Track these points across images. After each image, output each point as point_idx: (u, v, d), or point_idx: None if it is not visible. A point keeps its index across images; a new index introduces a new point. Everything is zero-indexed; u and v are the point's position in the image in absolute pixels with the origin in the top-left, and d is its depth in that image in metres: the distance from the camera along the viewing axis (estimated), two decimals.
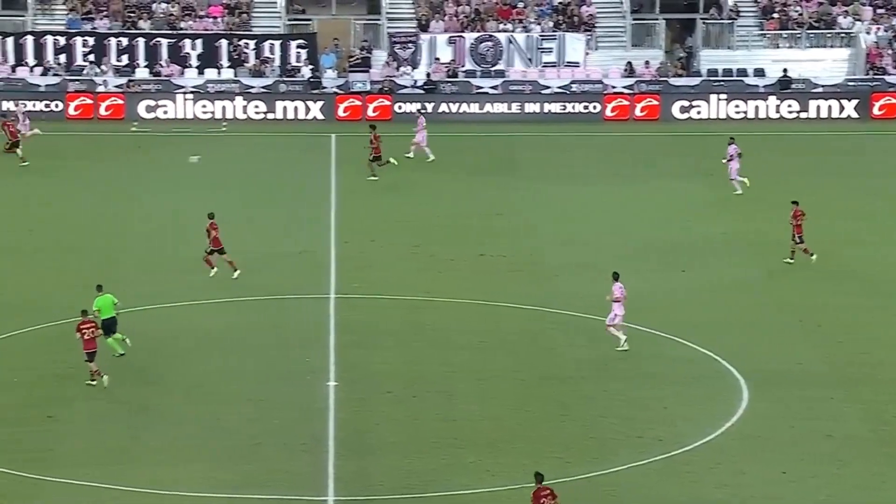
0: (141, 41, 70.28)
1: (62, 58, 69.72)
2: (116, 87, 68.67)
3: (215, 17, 72.34)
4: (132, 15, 72.14)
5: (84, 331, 33.72)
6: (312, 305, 40.18)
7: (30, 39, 69.91)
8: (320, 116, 67.52)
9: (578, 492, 28.67)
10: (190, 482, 28.82)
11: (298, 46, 70.81)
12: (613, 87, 69.83)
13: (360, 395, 33.74)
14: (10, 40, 69.74)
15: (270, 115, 67.67)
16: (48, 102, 67.55)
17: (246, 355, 36.42)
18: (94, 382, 33.67)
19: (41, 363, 35.32)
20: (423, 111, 62.25)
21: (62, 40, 70.00)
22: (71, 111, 67.59)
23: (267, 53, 70.46)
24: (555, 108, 68.75)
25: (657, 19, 73.78)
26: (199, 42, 70.46)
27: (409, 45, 71.43)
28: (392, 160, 55.15)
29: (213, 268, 42.00)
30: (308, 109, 67.85)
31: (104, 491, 28.35)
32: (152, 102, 67.88)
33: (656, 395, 34.20)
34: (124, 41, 70.22)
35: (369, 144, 55.33)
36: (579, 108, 68.72)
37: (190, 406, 33.13)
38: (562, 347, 37.15)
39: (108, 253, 45.02)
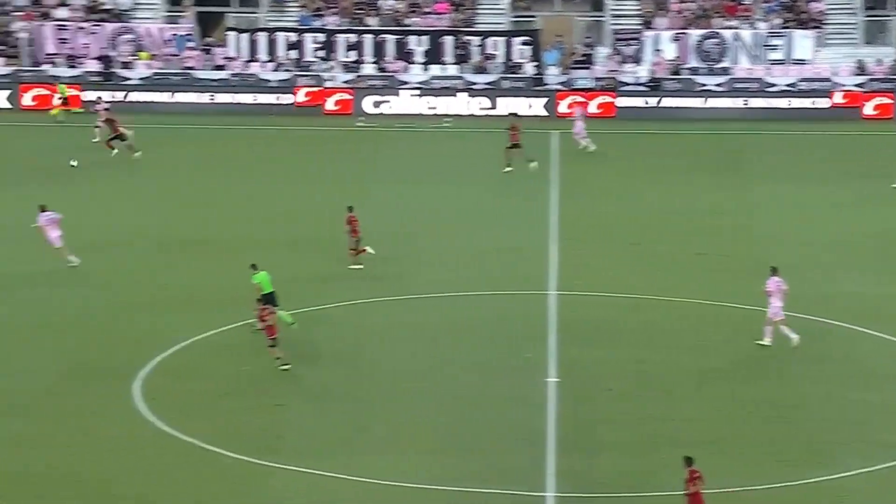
0: (368, 37, 71.61)
1: (293, 53, 71.46)
2: (344, 82, 70.11)
3: (440, 14, 73.22)
4: (360, 12, 73.51)
5: (266, 317, 34.69)
6: (532, 301, 40.39)
7: (262, 36, 71.80)
8: (543, 113, 67.79)
9: (805, 497, 28.27)
10: (411, 474, 29.23)
11: (522, 43, 71.22)
12: (843, 86, 68.47)
13: (581, 392, 33.81)
14: (244, 36, 71.74)
15: (493, 112, 68.25)
16: (278, 96, 69.38)
17: (464, 350, 36.78)
18: (289, 366, 34.53)
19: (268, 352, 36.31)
20: (577, 102, 62.92)
21: (293, 37, 71.74)
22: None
23: (490, 50, 71.03)
24: (781, 104, 67.75)
25: (891, 16, 72.03)
26: (424, 38, 71.44)
27: (633, 41, 71.19)
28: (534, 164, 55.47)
29: (360, 264, 42.52)
30: (530, 106, 68.19)
31: (332, 480, 28.91)
32: (378, 98, 69.10)
33: (881, 398, 33.50)
34: (352, 37, 71.64)
35: (508, 131, 55.57)
36: (807, 104, 67.60)
37: (409, 399, 33.58)
38: (783, 348, 36.64)
39: (329, 246, 45.88)
